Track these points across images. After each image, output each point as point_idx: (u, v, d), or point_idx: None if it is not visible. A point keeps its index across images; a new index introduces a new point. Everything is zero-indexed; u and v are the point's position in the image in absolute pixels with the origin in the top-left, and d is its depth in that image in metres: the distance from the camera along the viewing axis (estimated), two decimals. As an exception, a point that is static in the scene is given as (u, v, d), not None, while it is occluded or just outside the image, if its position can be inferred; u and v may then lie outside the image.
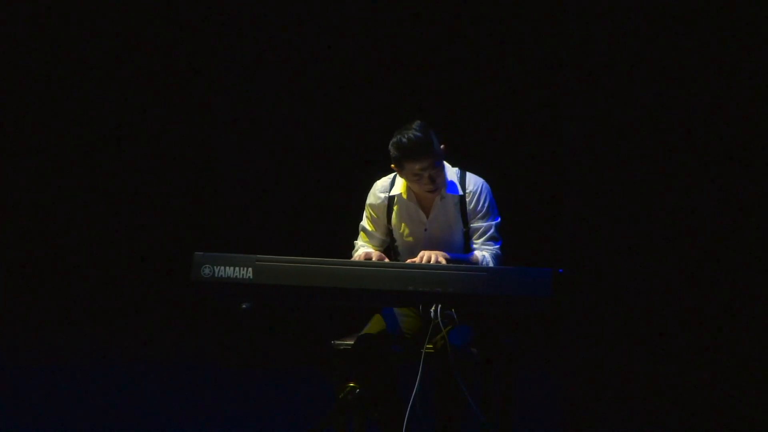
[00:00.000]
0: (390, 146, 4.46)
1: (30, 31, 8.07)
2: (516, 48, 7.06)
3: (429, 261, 4.25)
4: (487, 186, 4.60)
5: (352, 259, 4.59)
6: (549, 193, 6.71)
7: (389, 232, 4.64)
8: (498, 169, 4.67)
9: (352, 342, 4.44)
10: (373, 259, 4.36)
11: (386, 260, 4.42)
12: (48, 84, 8.12)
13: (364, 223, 4.69)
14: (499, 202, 4.65)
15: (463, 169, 4.62)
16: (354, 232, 4.77)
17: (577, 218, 6.14)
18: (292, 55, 7.61)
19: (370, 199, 4.67)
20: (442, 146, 4.50)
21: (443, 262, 4.27)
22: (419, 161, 4.42)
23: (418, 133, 4.41)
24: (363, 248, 4.64)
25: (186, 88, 8.03)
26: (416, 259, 4.31)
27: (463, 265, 4.19)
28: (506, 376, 4.50)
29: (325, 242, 6.44)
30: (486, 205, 4.56)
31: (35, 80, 8.11)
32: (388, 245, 4.68)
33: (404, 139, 4.41)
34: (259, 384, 6.96)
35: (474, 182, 4.59)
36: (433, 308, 3.97)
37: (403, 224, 4.60)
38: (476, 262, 4.45)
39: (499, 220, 4.57)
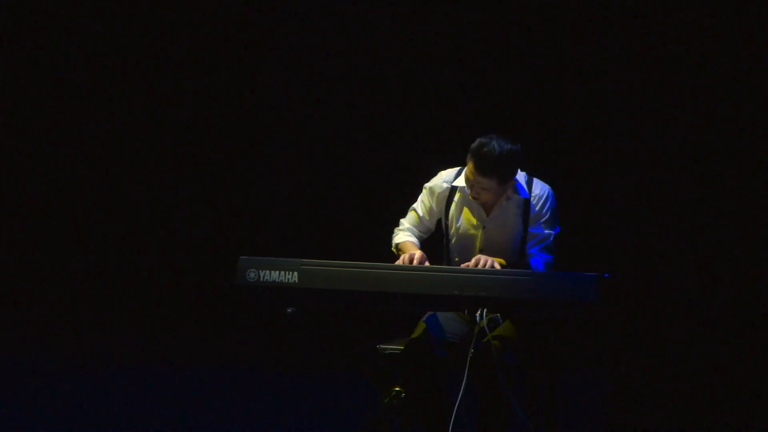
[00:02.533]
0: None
1: (61, 31, 8.15)
2: (568, 49, 7.03)
3: (484, 266, 4.17)
4: (553, 194, 4.50)
5: (393, 241, 4.56)
6: (595, 197, 6.67)
7: (440, 224, 4.58)
8: (543, 171, 4.62)
9: (397, 346, 4.43)
10: (415, 261, 4.30)
11: (427, 262, 4.37)
12: (92, 86, 8.17)
13: (417, 206, 4.61)
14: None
15: (531, 175, 4.53)
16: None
17: (623, 222, 6.11)
18: (337, 62, 7.61)
19: (432, 182, 4.58)
20: (515, 177, 4.40)
21: (497, 267, 4.18)
22: (476, 168, 4.31)
23: (497, 149, 4.29)
24: (405, 235, 4.56)
25: (229, 91, 8.05)
26: (471, 264, 4.23)
27: (509, 269, 4.15)
28: (551, 380, 4.47)
29: (371, 246, 6.44)
30: (549, 212, 4.46)
31: (76, 81, 8.17)
32: (442, 241, 4.62)
33: (482, 143, 4.30)
34: (303, 388, 6.96)
35: (541, 187, 4.50)
36: (478, 313, 3.95)
37: (461, 217, 4.52)
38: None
39: (558, 230, 4.49)
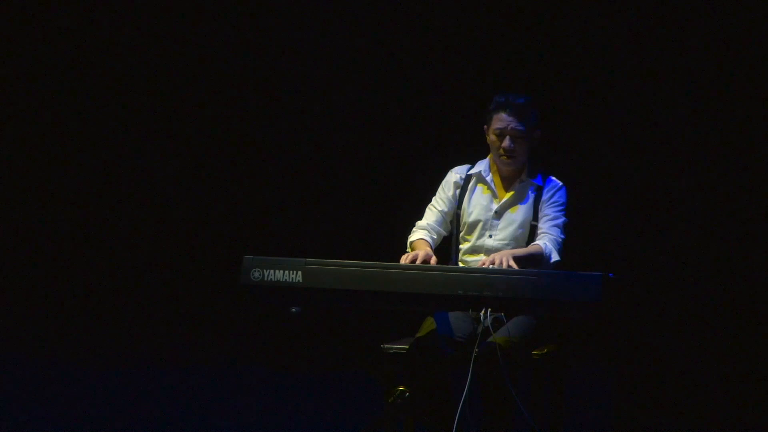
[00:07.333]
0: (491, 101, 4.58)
1: (83, 33, 8.16)
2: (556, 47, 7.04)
3: (500, 263, 4.22)
4: (566, 189, 4.63)
5: (408, 239, 4.62)
6: (599, 196, 6.67)
7: (455, 216, 4.64)
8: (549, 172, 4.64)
9: (401, 346, 4.43)
10: (419, 261, 4.31)
11: (433, 258, 4.39)
12: (96, 85, 8.18)
13: (433, 202, 4.69)
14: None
15: (548, 172, 4.66)
16: (402, 235, 4.75)
17: (626, 222, 6.11)
18: (340, 60, 7.62)
19: (446, 178, 4.69)
20: (538, 130, 4.57)
21: (513, 264, 4.22)
22: (508, 115, 4.49)
23: (521, 97, 4.53)
24: (419, 233, 4.61)
25: (234, 89, 8.06)
26: (485, 261, 4.29)
27: (513, 269, 4.16)
28: (557, 379, 4.47)
29: (375, 245, 6.46)
30: (561, 200, 4.58)
31: (79, 80, 8.19)
32: (448, 235, 4.67)
33: (506, 95, 4.54)
34: (308, 388, 6.97)
35: (556, 180, 4.64)
36: (483, 312, 3.96)
37: (472, 204, 4.61)
38: (539, 253, 4.43)
39: (567, 220, 4.58)
